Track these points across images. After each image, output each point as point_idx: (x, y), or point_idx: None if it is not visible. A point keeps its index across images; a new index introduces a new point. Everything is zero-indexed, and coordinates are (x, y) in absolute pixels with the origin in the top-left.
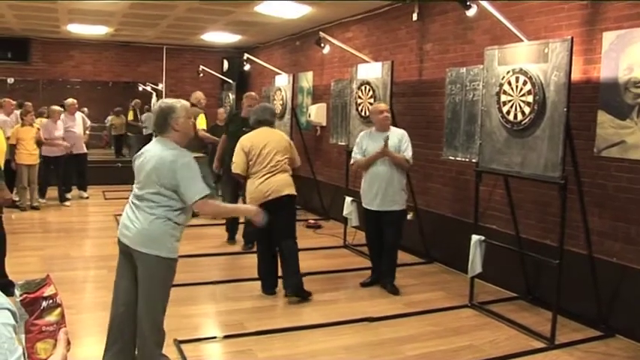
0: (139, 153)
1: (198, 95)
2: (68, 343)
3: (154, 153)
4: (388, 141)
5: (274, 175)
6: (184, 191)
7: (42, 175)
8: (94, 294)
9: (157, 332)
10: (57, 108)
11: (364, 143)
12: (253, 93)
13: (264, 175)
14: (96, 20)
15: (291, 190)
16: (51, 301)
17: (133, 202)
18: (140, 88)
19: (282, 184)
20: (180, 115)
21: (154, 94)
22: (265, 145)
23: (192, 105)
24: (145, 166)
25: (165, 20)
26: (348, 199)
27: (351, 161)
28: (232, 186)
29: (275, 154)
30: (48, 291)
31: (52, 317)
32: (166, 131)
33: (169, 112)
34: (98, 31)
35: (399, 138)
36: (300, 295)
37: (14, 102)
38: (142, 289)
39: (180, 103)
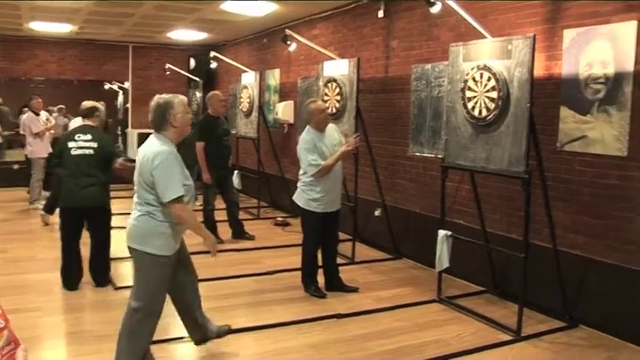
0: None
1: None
2: None
3: (142, 151)
4: (337, 135)
5: None
6: (159, 190)
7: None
8: (58, 296)
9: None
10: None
11: (320, 146)
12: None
13: None
14: (59, 18)
15: None
16: None
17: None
18: (106, 87)
19: None
20: (179, 111)
21: (120, 92)
22: None
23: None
24: (136, 164)
25: (131, 18)
26: None
27: (314, 170)
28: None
29: None
30: None
31: None
32: (163, 128)
33: (167, 108)
34: (62, 28)
35: (337, 131)
36: None
37: None
38: (133, 284)
39: (177, 98)
